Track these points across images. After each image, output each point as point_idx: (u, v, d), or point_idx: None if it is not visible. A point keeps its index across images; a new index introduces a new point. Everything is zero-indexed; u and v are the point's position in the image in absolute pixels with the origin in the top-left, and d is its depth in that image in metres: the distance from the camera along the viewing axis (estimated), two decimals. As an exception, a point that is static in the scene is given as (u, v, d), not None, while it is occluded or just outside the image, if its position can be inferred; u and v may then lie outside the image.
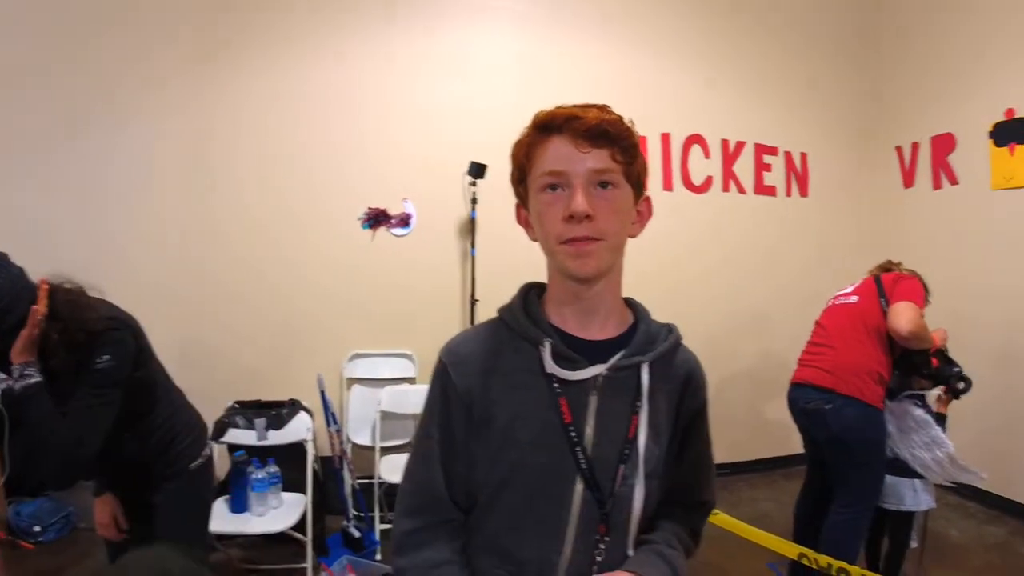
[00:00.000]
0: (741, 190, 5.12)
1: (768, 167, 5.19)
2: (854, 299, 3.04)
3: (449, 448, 1.12)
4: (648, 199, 1.17)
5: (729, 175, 5.09)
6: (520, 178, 1.13)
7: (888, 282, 2.97)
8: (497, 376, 1.10)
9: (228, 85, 4.13)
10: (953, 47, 4.65)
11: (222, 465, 3.34)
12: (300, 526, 3.27)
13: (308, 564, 3.29)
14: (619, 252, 1.10)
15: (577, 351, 1.09)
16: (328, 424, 3.67)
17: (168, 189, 4.02)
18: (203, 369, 3.88)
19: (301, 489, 3.37)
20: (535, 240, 1.12)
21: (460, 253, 4.47)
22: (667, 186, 4.92)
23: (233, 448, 3.36)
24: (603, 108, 1.07)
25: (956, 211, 4.65)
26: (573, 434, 1.07)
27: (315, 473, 3.45)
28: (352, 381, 4.28)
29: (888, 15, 5.27)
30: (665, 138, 4.91)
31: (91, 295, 1.91)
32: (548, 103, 1.10)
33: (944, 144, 4.72)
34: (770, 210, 5.20)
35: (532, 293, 1.18)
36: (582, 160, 1.02)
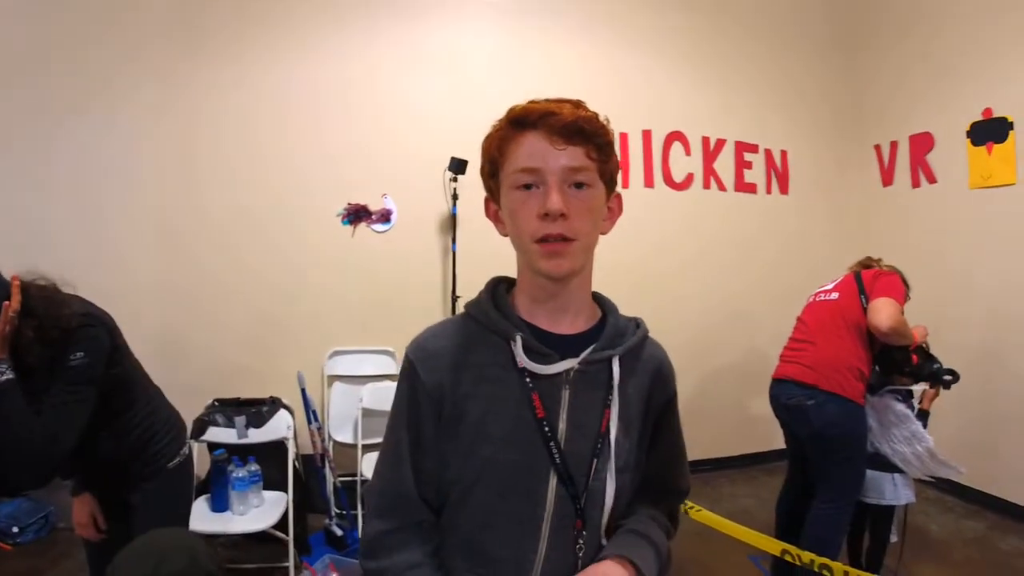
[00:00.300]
0: (722, 187, 5.14)
1: (749, 165, 5.21)
2: (835, 296, 3.06)
3: (418, 447, 1.10)
4: (619, 196, 1.16)
5: (710, 172, 5.11)
6: (491, 172, 1.11)
7: (868, 279, 2.98)
8: (467, 372, 1.09)
9: (213, 83, 4.11)
10: (932, 47, 4.69)
11: (202, 464, 3.31)
12: (282, 525, 3.25)
13: (290, 563, 3.27)
14: (591, 250, 1.10)
15: (548, 345, 1.08)
16: (309, 422, 3.65)
17: (149, 186, 3.99)
18: (182, 366, 3.86)
19: (282, 488, 3.35)
20: (505, 235, 1.11)
21: (441, 249, 4.45)
22: (648, 183, 4.93)
23: (213, 447, 3.32)
24: (578, 104, 1.06)
25: (934, 210, 4.69)
26: (547, 429, 1.06)
27: (296, 471, 3.42)
28: (333, 378, 4.26)
29: (868, 15, 5.30)
30: (646, 135, 4.92)
31: (65, 291, 1.89)
32: (530, 97, 1.09)
33: (922, 143, 4.76)
34: (750, 207, 5.23)
35: (500, 287, 1.17)
36: (557, 157, 1.01)
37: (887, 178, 5.11)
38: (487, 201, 1.16)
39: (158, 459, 2.10)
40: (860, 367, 2.88)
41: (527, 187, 1.03)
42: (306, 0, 4.24)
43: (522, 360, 1.07)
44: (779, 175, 5.32)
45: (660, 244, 4.93)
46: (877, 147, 5.19)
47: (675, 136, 5.01)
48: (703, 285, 5.08)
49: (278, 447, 3.40)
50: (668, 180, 5.00)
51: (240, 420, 3.35)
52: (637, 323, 1.20)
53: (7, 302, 1.69)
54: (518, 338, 1.07)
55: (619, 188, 1.14)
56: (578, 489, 1.07)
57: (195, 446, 3.33)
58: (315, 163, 4.26)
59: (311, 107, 4.26)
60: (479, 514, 1.08)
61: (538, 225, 1.02)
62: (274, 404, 3.51)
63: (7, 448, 1.69)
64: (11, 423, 1.67)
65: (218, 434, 3.35)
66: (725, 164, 5.15)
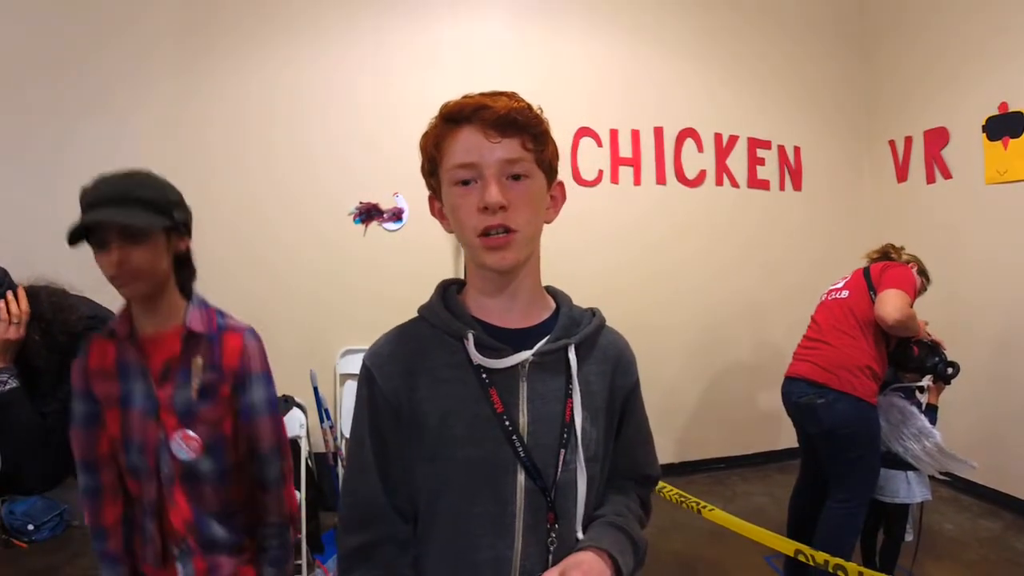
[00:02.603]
0: (734, 184, 5.11)
1: (761, 161, 5.18)
2: (845, 294, 3.06)
3: (384, 454, 1.10)
4: (561, 184, 1.16)
5: (722, 169, 5.08)
6: (431, 170, 1.12)
7: (876, 272, 2.98)
8: (423, 375, 1.09)
9: (225, 82, 4.14)
10: (946, 41, 4.64)
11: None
12: (294, 523, 3.26)
13: (303, 561, 3.27)
14: (535, 241, 1.11)
15: (501, 340, 1.09)
16: (321, 420, 3.66)
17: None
18: (196, 366, 3.87)
19: (295, 486, 3.36)
20: (451, 232, 1.12)
21: (453, 248, 4.45)
22: (660, 180, 4.91)
23: (226, 445, 3.34)
24: (512, 96, 1.07)
25: (950, 205, 4.64)
26: (507, 423, 1.06)
27: (309, 470, 3.43)
28: (345, 377, 4.26)
29: (881, 10, 5.26)
30: (658, 132, 4.90)
31: (73, 294, 1.89)
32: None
33: (937, 138, 4.72)
34: (763, 204, 5.20)
35: (451, 288, 1.19)
36: (492, 150, 1.02)
37: (902, 174, 5.07)
38: (431, 199, 1.16)
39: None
40: (872, 365, 2.87)
41: (465, 182, 1.04)
42: (318, 0, 4.26)
43: (476, 357, 1.07)
44: (792, 171, 5.29)
45: (672, 240, 4.92)
46: (891, 143, 5.15)
47: (687, 133, 4.98)
48: (715, 281, 5.05)
49: (291, 446, 3.40)
50: (680, 177, 4.98)
51: (253, 418, 3.36)
52: (593, 312, 1.21)
53: (1, 301, 1.70)
54: (470, 335, 1.08)
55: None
56: (547, 482, 1.07)
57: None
58: (328, 162, 4.27)
59: (323, 106, 4.28)
60: (452, 520, 1.08)
61: (479, 219, 1.02)
62: (287, 403, 3.51)
63: (17, 453, 1.70)
64: (19, 431, 1.68)
65: (231, 432, 3.36)
66: (738, 161, 5.12)
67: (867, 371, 2.86)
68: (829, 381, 2.87)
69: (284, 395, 3.55)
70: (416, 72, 4.39)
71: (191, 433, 1.49)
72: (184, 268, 1.65)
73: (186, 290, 1.65)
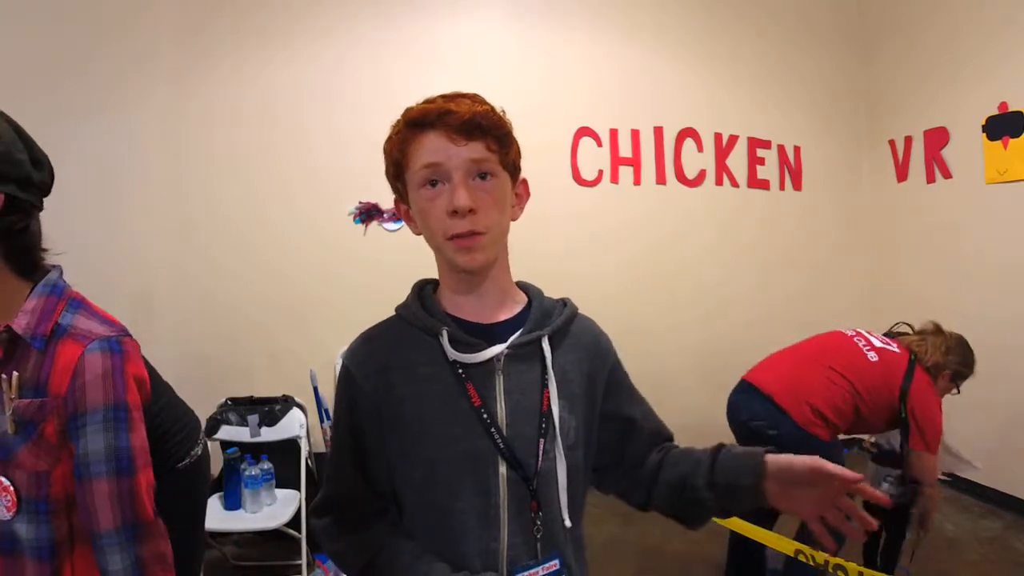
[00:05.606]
0: (734, 183, 5.11)
1: (761, 161, 5.18)
2: (873, 357, 2.82)
3: (363, 451, 1.13)
4: (525, 181, 1.19)
5: (722, 168, 5.08)
6: (396, 174, 1.15)
7: (916, 397, 2.72)
8: (400, 372, 1.11)
9: (226, 83, 4.14)
10: (947, 41, 4.64)
11: (215, 462, 3.32)
12: (294, 523, 3.26)
13: (303, 561, 3.28)
14: (503, 239, 1.13)
15: (476, 336, 1.11)
16: (322, 420, 3.65)
17: (165, 187, 4.02)
18: (196, 365, 3.87)
19: (295, 485, 3.36)
20: (419, 234, 1.15)
21: (453, 248, 4.45)
22: (660, 179, 4.91)
23: (226, 445, 3.34)
24: (475, 98, 1.09)
25: (950, 205, 4.64)
26: (485, 416, 1.08)
27: (309, 469, 3.43)
28: (346, 377, 4.25)
29: (881, 10, 5.26)
30: (658, 131, 4.90)
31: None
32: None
33: (937, 138, 4.71)
34: (763, 204, 5.20)
35: (427, 288, 1.21)
36: (458, 152, 1.04)
37: (902, 174, 5.06)
38: (396, 202, 1.20)
39: (170, 458, 2.08)
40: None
41: (432, 183, 1.06)
42: (318, 0, 4.26)
43: (451, 353, 1.09)
44: (792, 171, 5.28)
45: (672, 240, 4.91)
46: (891, 142, 5.14)
47: (687, 132, 4.98)
48: (716, 281, 5.04)
49: (291, 445, 3.41)
50: (680, 177, 4.97)
51: (253, 418, 3.37)
52: (564, 303, 1.23)
53: None
54: (444, 332, 1.10)
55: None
56: (528, 472, 1.09)
57: (209, 445, 3.35)
58: (328, 161, 4.27)
59: (324, 106, 4.28)
60: (438, 515, 1.09)
61: (449, 223, 1.04)
62: (287, 402, 3.52)
63: None
64: None
65: (231, 432, 3.37)
66: (738, 160, 5.12)
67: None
68: (790, 409, 2.74)
69: (284, 394, 3.56)
70: (416, 72, 4.38)
71: (5, 481, 1.05)
72: (9, 240, 1.13)
73: (26, 270, 1.16)
